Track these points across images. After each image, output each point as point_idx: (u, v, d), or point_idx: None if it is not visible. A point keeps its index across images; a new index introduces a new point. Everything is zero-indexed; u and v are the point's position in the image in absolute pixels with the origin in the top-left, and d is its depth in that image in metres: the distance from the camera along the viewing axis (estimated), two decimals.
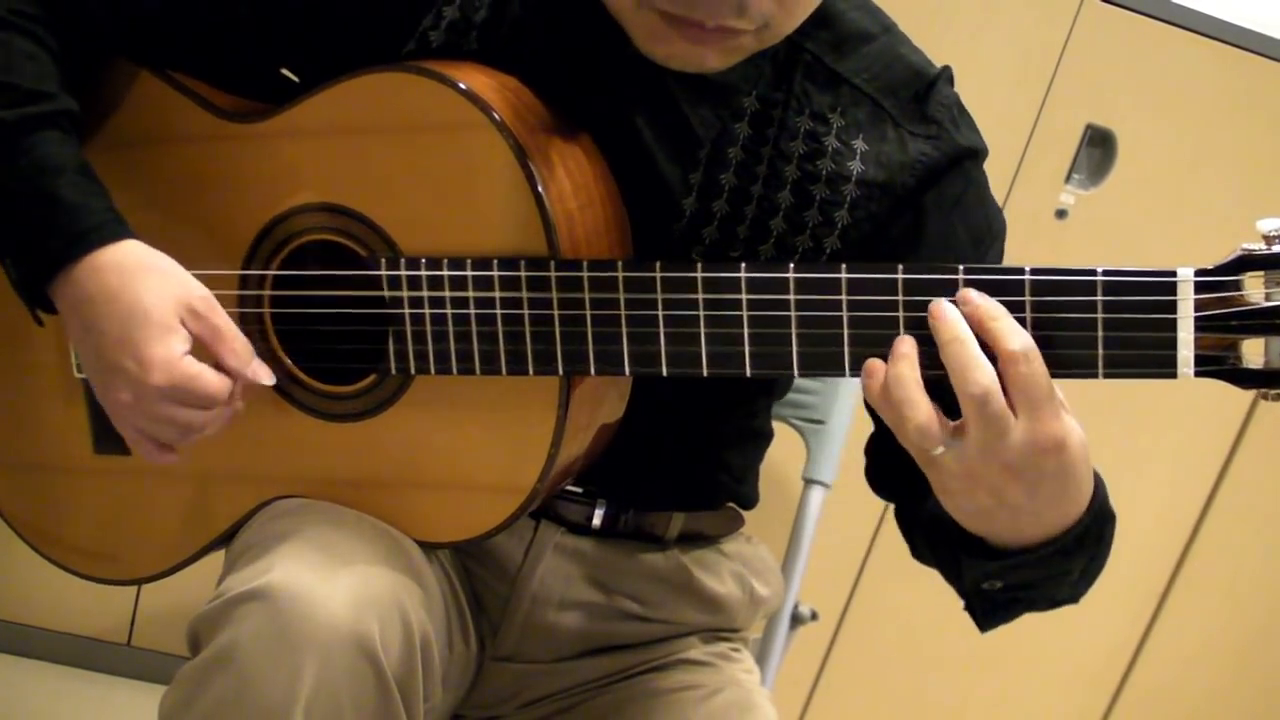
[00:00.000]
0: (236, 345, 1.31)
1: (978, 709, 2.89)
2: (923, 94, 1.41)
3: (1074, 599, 1.36)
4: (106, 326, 1.27)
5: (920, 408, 1.13)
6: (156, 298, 1.27)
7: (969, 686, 2.87)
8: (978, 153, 1.44)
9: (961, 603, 1.40)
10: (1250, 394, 2.65)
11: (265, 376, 1.34)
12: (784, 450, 2.08)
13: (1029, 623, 2.87)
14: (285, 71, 1.48)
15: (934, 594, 2.75)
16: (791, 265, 1.20)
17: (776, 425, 1.79)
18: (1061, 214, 2.52)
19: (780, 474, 2.16)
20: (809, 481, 2.09)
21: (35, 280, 1.31)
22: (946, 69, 1.44)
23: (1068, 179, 2.51)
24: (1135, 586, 2.83)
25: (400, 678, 1.23)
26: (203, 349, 1.30)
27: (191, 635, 1.25)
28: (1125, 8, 2.44)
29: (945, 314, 1.14)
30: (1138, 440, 2.69)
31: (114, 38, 1.42)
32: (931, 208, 1.41)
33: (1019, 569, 1.25)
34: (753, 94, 1.39)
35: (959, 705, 2.88)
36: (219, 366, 1.31)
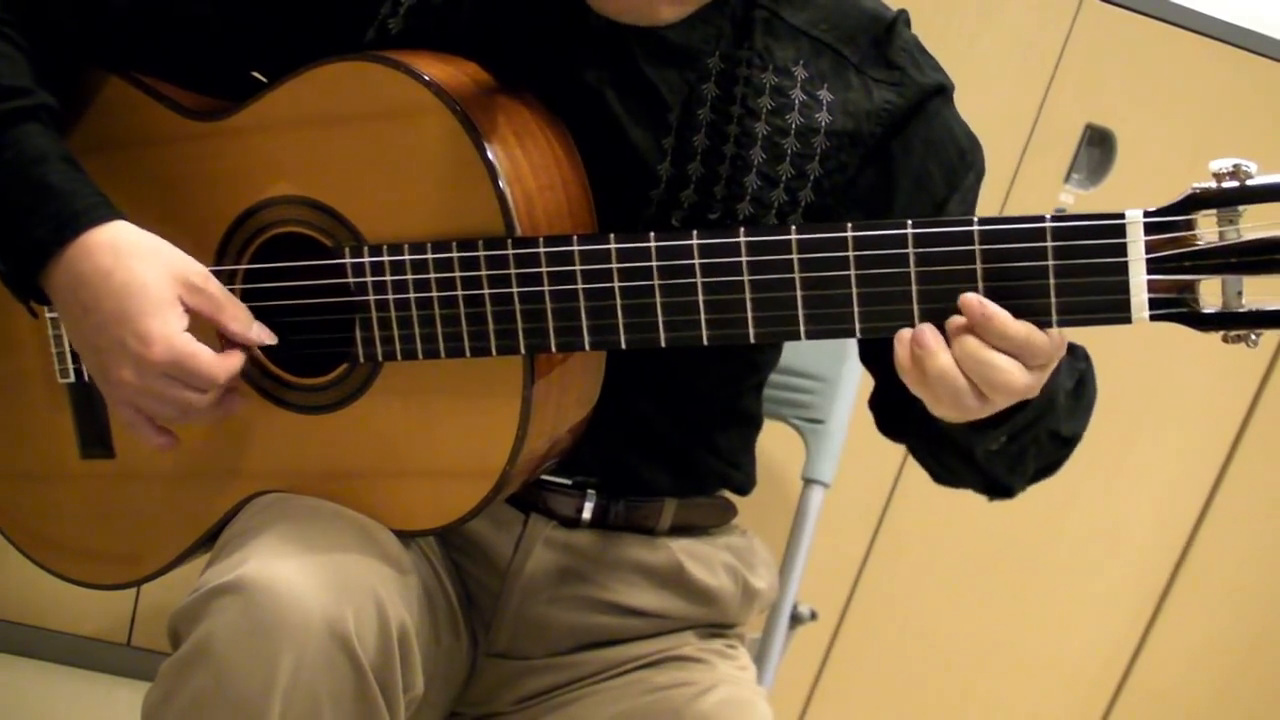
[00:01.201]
0: (237, 312, 1.34)
1: (978, 709, 2.89)
2: (882, 38, 1.43)
3: (1075, 434, 1.42)
4: (104, 305, 1.28)
5: (970, 392, 1.18)
6: (153, 274, 1.29)
7: (969, 686, 2.86)
8: (943, 89, 1.45)
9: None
10: (1249, 393, 2.67)
11: (267, 337, 1.36)
12: (784, 450, 2.08)
13: (1029, 623, 2.87)
14: (256, 74, 1.49)
15: (934, 594, 2.76)
16: (742, 230, 1.21)
17: (776, 424, 1.79)
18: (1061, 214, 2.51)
19: (780, 474, 2.17)
20: (809, 481, 2.09)
21: (28, 269, 1.33)
22: (902, 11, 1.46)
23: (1067, 179, 2.51)
24: (1135, 586, 2.82)
25: (377, 666, 1.24)
26: (202, 323, 1.32)
27: (171, 630, 1.27)
28: (1125, 8, 2.44)
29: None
30: (1138, 440, 2.69)
31: (82, 40, 1.44)
32: (899, 154, 1.43)
33: (1014, 417, 1.28)
34: (716, 54, 1.40)
35: (959, 705, 2.88)
36: (221, 337, 1.33)
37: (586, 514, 1.55)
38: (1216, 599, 2.84)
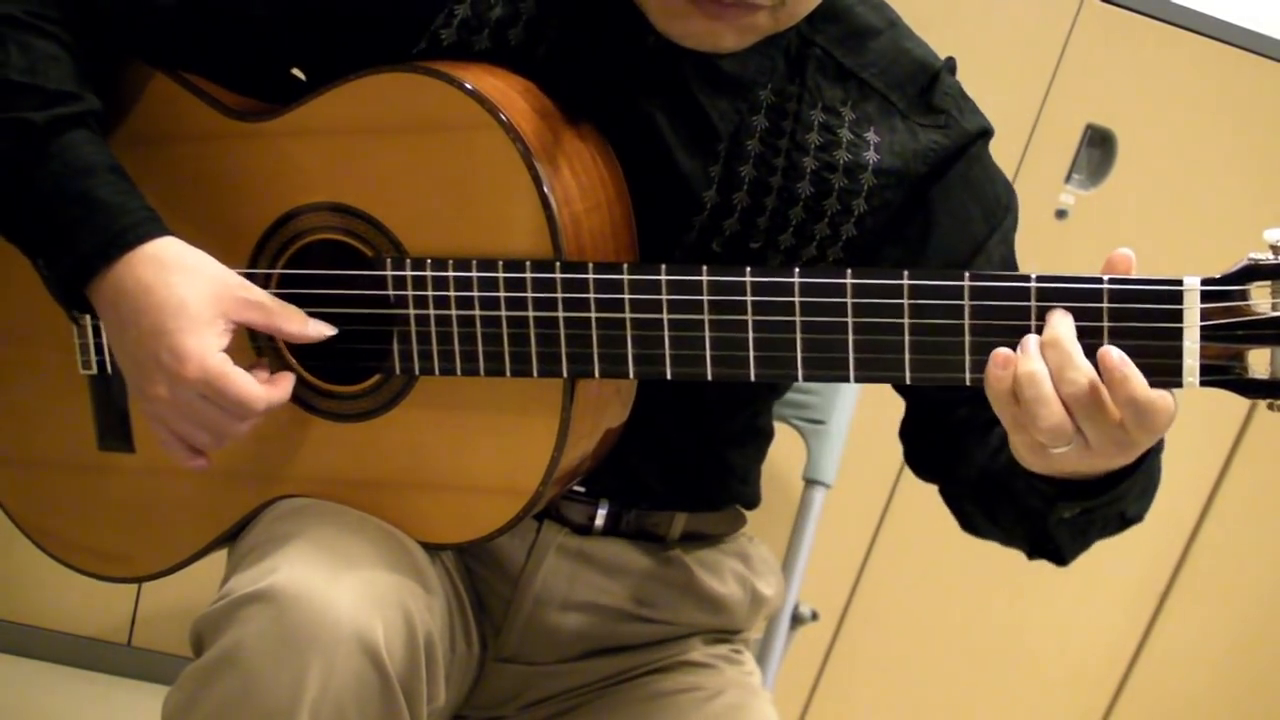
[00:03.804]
0: (289, 314, 1.33)
1: (978, 709, 2.90)
2: (927, 86, 1.43)
3: (1140, 516, 1.38)
4: (143, 320, 1.28)
5: (1056, 408, 1.13)
6: (194, 292, 1.28)
7: (969, 686, 2.87)
8: (986, 133, 1.47)
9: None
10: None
11: (327, 329, 1.35)
12: (784, 450, 2.08)
13: (1029, 622, 2.88)
14: (296, 71, 1.49)
15: (934, 594, 2.76)
16: (797, 271, 1.21)
17: (776, 425, 1.79)
18: (1061, 214, 2.52)
19: (780, 474, 2.16)
20: (809, 481, 2.09)
21: (73, 281, 1.32)
22: (950, 60, 1.47)
23: (1068, 179, 2.52)
24: (1135, 586, 2.83)
25: (404, 678, 1.23)
26: (250, 345, 1.33)
27: (195, 636, 1.25)
28: (1125, 8, 2.44)
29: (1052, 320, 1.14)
30: None
31: (129, 37, 1.42)
32: (940, 194, 1.43)
33: (1110, 490, 1.26)
34: (768, 87, 1.41)
35: (959, 705, 2.89)
36: (273, 363, 1.34)
37: (599, 522, 1.55)
38: (1217, 599, 2.86)
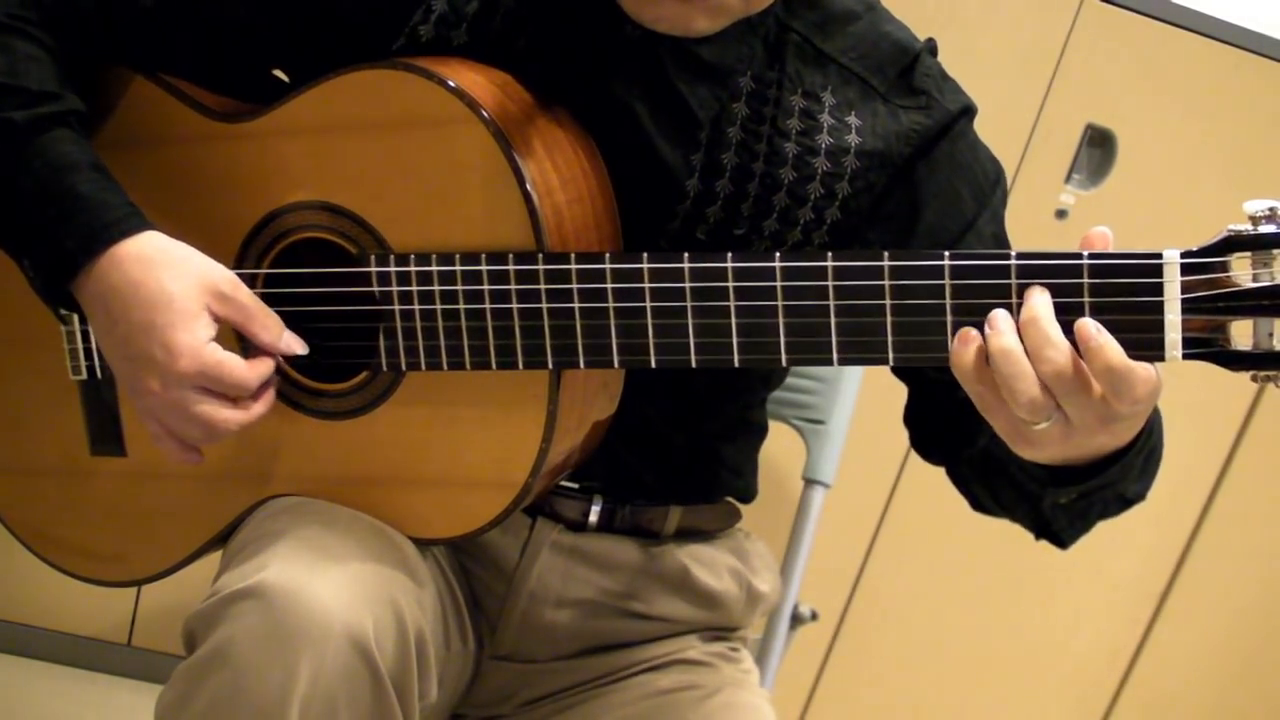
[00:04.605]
0: (267, 321, 1.33)
1: (978, 709, 2.89)
2: (907, 69, 1.44)
3: (1142, 495, 1.38)
4: (132, 315, 1.28)
5: (1034, 382, 1.12)
6: (180, 284, 1.28)
7: (969, 686, 2.87)
8: (968, 111, 1.47)
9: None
10: (1249, 394, 2.67)
11: (299, 346, 1.35)
12: (784, 450, 2.08)
13: (1029, 623, 2.87)
14: (277, 72, 1.49)
15: (934, 594, 2.76)
16: (778, 255, 1.21)
17: (776, 425, 1.79)
18: (1061, 214, 2.52)
19: (780, 474, 2.16)
20: (809, 481, 2.08)
21: (58, 278, 1.32)
22: (929, 41, 1.47)
23: (1068, 179, 2.51)
24: (1135, 587, 2.83)
25: (395, 674, 1.23)
26: (231, 332, 1.32)
27: (187, 634, 1.26)
28: (1125, 8, 2.44)
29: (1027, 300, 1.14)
30: None
31: (110, 39, 1.43)
32: (926, 174, 1.43)
33: (1103, 472, 1.26)
34: (748, 74, 1.41)
35: (959, 705, 2.89)
36: (251, 346, 1.33)
37: (593, 518, 1.55)
38: (1217, 599, 2.85)
